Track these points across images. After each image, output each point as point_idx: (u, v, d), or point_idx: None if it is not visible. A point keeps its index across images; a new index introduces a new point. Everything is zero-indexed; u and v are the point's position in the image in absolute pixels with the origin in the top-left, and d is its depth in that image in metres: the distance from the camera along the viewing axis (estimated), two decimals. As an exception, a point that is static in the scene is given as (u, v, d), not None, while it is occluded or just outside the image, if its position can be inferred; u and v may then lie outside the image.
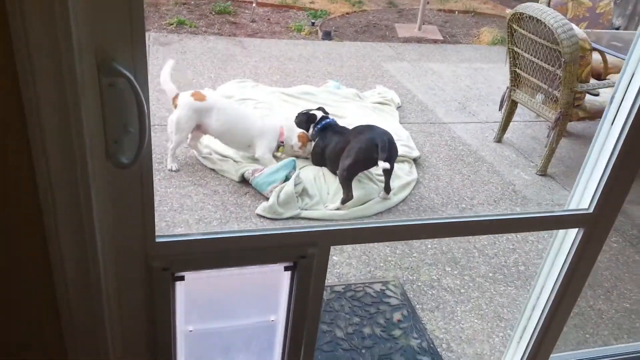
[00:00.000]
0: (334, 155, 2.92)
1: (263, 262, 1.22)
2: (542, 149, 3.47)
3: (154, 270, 1.09)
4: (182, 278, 1.15)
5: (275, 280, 1.27)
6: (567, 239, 1.52)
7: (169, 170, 2.93)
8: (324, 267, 1.27)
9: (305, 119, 3.11)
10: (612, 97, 1.43)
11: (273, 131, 3.00)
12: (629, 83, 1.38)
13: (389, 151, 2.74)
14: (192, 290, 1.18)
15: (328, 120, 3.10)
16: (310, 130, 3.09)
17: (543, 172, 3.40)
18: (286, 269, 1.24)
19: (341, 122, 3.24)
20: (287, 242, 1.19)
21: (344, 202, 2.77)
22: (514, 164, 3.52)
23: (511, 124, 3.80)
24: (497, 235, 2.73)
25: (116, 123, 0.90)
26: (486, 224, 1.36)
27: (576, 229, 1.48)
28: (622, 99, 1.40)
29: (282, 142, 3.04)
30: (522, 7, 3.25)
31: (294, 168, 2.83)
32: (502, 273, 2.49)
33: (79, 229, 0.94)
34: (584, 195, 1.46)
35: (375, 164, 2.76)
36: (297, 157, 3.07)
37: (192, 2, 6.16)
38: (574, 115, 3.24)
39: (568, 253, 1.52)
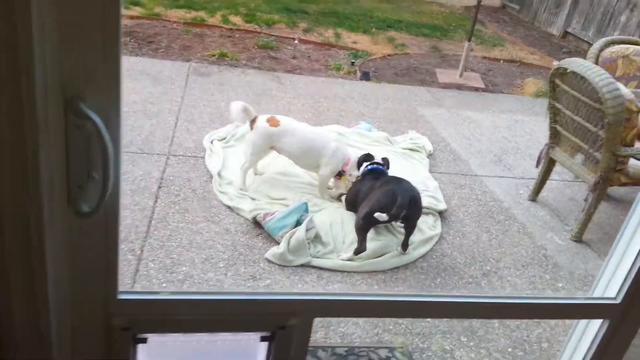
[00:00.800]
0: (359, 201, 2.82)
1: (237, 329, 1.11)
2: (580, 212, 3.25)
3: (113, 329, 1.00)
4: (144, 340, 1.05)
5: (249, 351, 1.15)
6: (590, 329, 1.35)
7: (240, 189, 3.03)
8: (306, 339, 1.15)
9: (362, 159, 3.03)
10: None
11: (341, 158, 3.03)
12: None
13: (409, 209, 2.59)
14: (155, 354, 1.08)
15: (376, 165, 2.97)
16: (361, 169, 2.99)
17: (578, 238, 3.16)
18: (263, 339, 1.13)
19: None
20: (265, 310, 1.08)
21: (356, 253, 2.63)
22: (547, 226, 3.30)
23: (548, 182, 3.59)
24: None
25: (81, 167, 0.84)
26: (488, 308, 1.21)
27: (600, 320, 1.30)
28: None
29: (344, 171, 3.03)
30: (565, 62, 3.10)
31: (306, 211, 2.74)
32: (523, 349, 2.28)
33: (29, 277, 0.87)
34: (611, 281, 1.29)
35: (395, 219, 2.62)
36: (341, 195, 3.08)
37: (237, 35, 6.29)
38: (615, 180, 3.02)
39: (590, 346, 1.34)
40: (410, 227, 2.72)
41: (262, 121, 3.03)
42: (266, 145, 3.05)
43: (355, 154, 3.09)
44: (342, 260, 2.62)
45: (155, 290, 1.25)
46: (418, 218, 2.75)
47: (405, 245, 2.74)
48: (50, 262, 0.85)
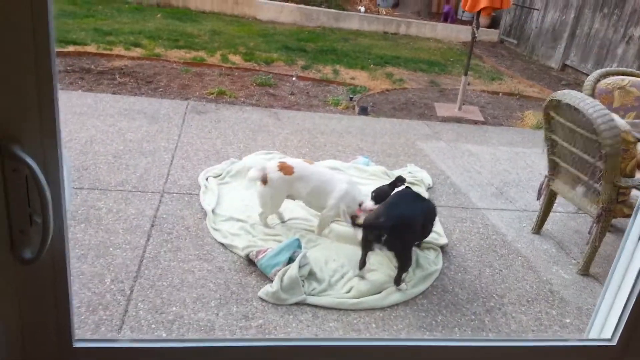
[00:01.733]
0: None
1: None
2: (585, 245, 3.15)
3: (72, 381, 0.93)
4: (107, 392, 0.98)
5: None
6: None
7: (266, 234, 2.98)
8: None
9: (384, 193, 2.87)
10: (637, 209, 1.20)
11: (350, 200, 2.87)
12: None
13: (391, 231, 2.50)
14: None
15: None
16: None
17: (585, 272, 3.06)
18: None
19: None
20: (238, 357, 1.01)
21: (359, 267, 2.67)
22: (552, 259, 3.20)
23: (551, 214, 3.51)
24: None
25: (22, 212, 0.79)
26: (480, 352, 1.12)
27: (600, 363, 1.21)
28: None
29: (358, 216, 2.84)
30: (558, 95, 3.07)
31: (299, 247, 2.66)
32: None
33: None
34: (606, 323, 1.21)
35: (377, 240, 2.56)
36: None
37: (236, 74, 6.37)
38: (618, 211, 2.94)
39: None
40: (394, 253, 2.60)
41: (274, 171, 2.89)
42: (283, 195, 2.96)
43: (369, 200, 2.87)
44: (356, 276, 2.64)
45: (114, 338, 1.18)
46: (402, 245, 2.58)
47: (397, 280, 2.63)
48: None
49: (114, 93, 5.14)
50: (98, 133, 4.09)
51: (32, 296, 0.83)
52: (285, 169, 2.91)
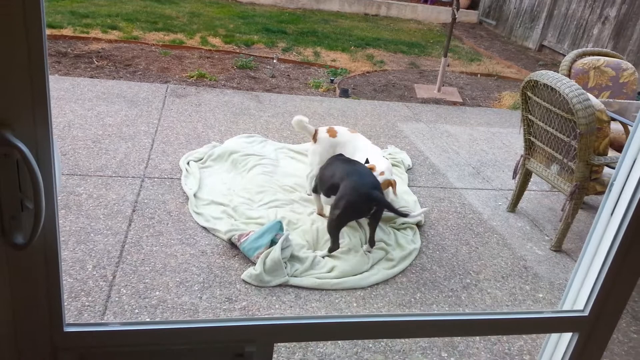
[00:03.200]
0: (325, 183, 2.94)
1: (193, 359, 1.07)
2: (558, 222, 3.26)
3: (61, 363, 0.96)
4: (95, 372, 1.01)
5: (209, 378, 1.11)
6: (562, 342, 1.32)
7: (307, 194, 3.30)
8: (267, 367, 1.11)
9: None
10: (611, 184, 1.27)
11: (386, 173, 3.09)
12: (631, 168, 1.22)
13: (379, 204, 2.71)
14: (108, 386, 1.03)
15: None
16: None
17: (558, 248, 3.16)
18: (222, 366, 1.09)
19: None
20: (222, 337, 1.04)
21: (330, 251, 2.76)
22: (527, 236, 3.30)
23: (526, 193, 3.60)
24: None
25: (13, 197, 0.81)
26: (460, 326, 1.18)
27: (571, 333, 1.28)
28: (623, 187, 1.24)
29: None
30: (536, 75, 3.13)
31: (281, 229, 2.70)
32: (504, 362, 2.25)
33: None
34: (579, 295, 1.28)
35: (366, 215, 2.76)
36: None
37: (216, 56, 6.30)
38: (590, 188, 3.04)
39: (562, 359, 1.32)
40: (376, 222, 2.81)
41: (323, 133, 3.31)
42: (328, 154, 3.25)
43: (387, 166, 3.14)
44: (320, 256, 2.73)
45: (104, 322, 1.21)
46: (384, 210, 2.79)
47: (371, 241, 2.83)
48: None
49: (91, 77, 5.06)
50: (76, 118, 4.04)
51: (23, 281, 0.85)
52: (330, 132, 3.32)
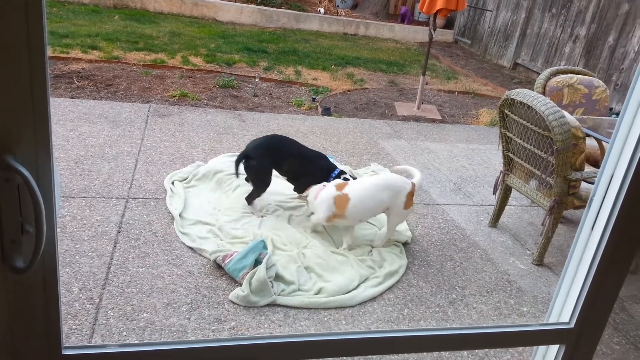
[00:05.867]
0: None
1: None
2: (539, 236, 3.34)
3: (60, 387, 0.96)
4: (94, 397, 1.00)
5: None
6: (549, 355, 1.36)
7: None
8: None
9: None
10: (591, 199, 1.33)
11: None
12: (609, 183, 1.28)
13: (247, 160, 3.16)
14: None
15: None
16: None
17: (539, 262, 3.24)
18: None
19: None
20: (217, 356, 1.05)
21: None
22: (509, 251, 3.37)
23: (506, 208, 3.69)
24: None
25: (14, 221, 0.82)
26: (447, 341, 1.21)
27: (557, 345, 1.32)
28: (603, 201, 1.30)
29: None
30: (512, 93, 3.24)
31: (265, 248, 2.71)
32: (492, 376, 2.28)
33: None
34: (564, 307, 1.32)
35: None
36: None
37: (198, 76, 6.33)
38: (569, 203, 3.13)
39: (550, 371, 1.36)
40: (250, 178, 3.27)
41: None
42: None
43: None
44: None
45: (102, 344, 1.21)
46: (256, 169, 3.17)
47: (248, 198, 3.26)
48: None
49: (72, 97, 5.02)
50: (58, 139, 4.01)
51: (22, 305, 0.85)
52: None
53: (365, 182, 3.03)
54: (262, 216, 3.26)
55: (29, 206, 0.80)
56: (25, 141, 0.78)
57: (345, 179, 3.22)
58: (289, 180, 3.36)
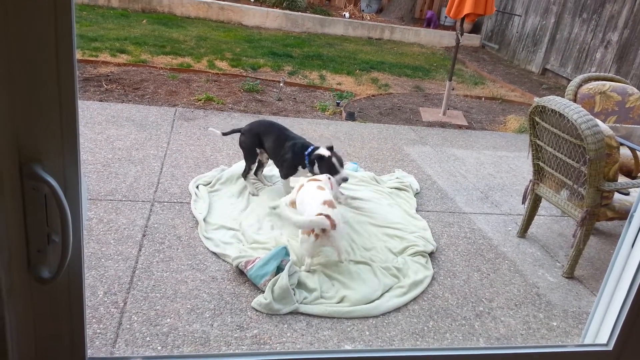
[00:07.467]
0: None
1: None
2: (569, 248, 3.23)
3: (84, 398, 0.95)
4: (118, 409, 0.99)
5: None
6: (586, 377, 1.30)
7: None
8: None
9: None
10: (631, 216, 1.26)
11: None
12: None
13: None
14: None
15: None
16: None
17: (570, 275, 3.14)
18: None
19: (357, 204, 3.59)
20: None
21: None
22: (538, 263, 3.28)
23: (536, 218, 3.59)
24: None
25: (40, 231, 0.81)
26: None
27: (595, 368, 1.26)
28: (646, 218, 1.23)
29: None
30: (543, 101, 3.15)
31: (287, 255, 2.69)
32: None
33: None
34: (601, 327, 1.26)
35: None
36: None
37: (223, 80, 6.37)
38: (601, 214, 3.03)
39: (587, 395, 1.29)
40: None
41: None
42: None
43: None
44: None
45: (127, 356, 1.20)
46: (243, 148, 3.60)
47: (243, 174, 3.61)
48: (11, 332, 0.80)
49: (100, 100, 5.11)
50: (86, 142, 4.07)
51: (47, 314, 0.84)
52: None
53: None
54: (255, 195, 3.54)
55: (55, 216, 0.79)
56: (53, 151, 0.77)
57: (319, 156, 3.33)
58: (272, 159, 3.62)
